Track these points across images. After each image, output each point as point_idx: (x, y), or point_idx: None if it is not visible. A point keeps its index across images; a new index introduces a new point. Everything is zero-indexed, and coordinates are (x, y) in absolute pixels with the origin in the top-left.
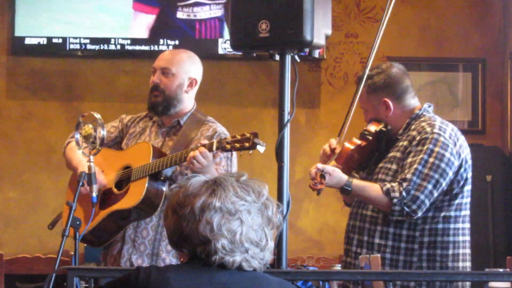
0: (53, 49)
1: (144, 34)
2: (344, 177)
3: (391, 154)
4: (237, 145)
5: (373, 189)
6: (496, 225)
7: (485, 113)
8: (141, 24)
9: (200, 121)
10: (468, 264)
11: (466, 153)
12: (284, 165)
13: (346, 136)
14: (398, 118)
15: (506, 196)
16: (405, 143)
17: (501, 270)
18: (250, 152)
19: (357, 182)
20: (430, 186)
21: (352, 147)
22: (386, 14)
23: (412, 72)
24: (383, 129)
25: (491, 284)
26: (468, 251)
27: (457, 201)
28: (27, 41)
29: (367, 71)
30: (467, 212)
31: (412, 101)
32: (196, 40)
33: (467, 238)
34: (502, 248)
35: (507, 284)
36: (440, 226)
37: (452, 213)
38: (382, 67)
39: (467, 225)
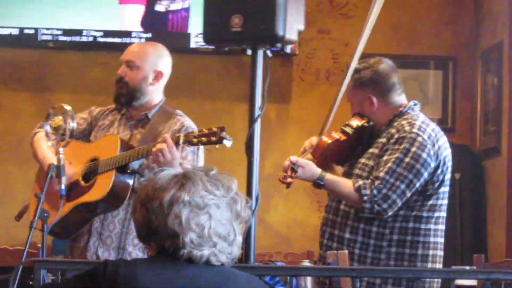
0: (25, 40)
1: (130, 25)
2: (317, 171)
3: (370, 150)
4: (204, 139)
5: (345, 184)
6: (464, 223)
7: (455, 111)
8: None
9: (169, 114)
10: (439, 265)
11: (446, 154)
12: (254, 160)
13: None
14: (382, 114)
15: (474, 194)
16: (384, 140)
17: (467, 267)
18: (217, 146)
19: (330, 177)
20: (403, 186)
21: (329, 141)
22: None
23: None
24: (365, 124)
25: (458, 281)
26: (439, 252)
27: (430, 202)
28: None
29: (350, 69)
30: (442, 214)
31: (398, 98)
32: (168, 33)
33: (440, 239)
34: (469, 245)
35: (474, 281)
36: (410, 225)
37: (424, 214)
38: (370, 62)
39: (441, 226)
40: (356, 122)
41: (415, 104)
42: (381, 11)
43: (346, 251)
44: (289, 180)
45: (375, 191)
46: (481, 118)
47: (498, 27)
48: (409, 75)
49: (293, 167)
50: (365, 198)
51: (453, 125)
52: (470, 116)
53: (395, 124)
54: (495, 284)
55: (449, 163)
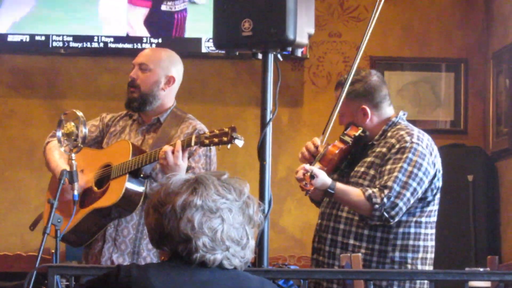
0: (36, 46)
1: (136, 27)
2: (329, 180)
3: (368, 159)
4: (215, 139)
5: (355, 193)
6: (477, 225)
7: (467, 113)
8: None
9: (180, 118)
10: (432, 268)
11: (439, 162)
12: (266, 164)
13: (330, 135)
14: (375, 124)
15: (487, 195)
16: (384, 149)
17: (481, 269)
18: (229, 146)
19: (340, 186)
20: (408, 194)
21: (336, 150)
22: (374, 16)
23: (395, 72)
24: (362, 134)
25: (472, 283)
26: (433, 255)
27: (429, 208)
28: (10, 38)
29: (350, 77)
30: (435, 219)
31: (388, 109)
32: (179, 39)
33: (434, 243)
34: (483, 247)
35: (487, 283)
36: (412, 230)
37: (423, 219)
38: (361, 75)
39: (434, 231)
40: (353, 132)
41: (404, 114)
42: (392, 14)
43: (360, 254)
44: (309, 187)
45: (385, 200)
46: (493, 120)
47: (509, 28)
48: (421, 78)
49: (312, 174)
50: (376, 206)
51: (465, 127)
52: (482, 117)
53: (390, 134)
54: (509, 286)
55: (442, 171)
